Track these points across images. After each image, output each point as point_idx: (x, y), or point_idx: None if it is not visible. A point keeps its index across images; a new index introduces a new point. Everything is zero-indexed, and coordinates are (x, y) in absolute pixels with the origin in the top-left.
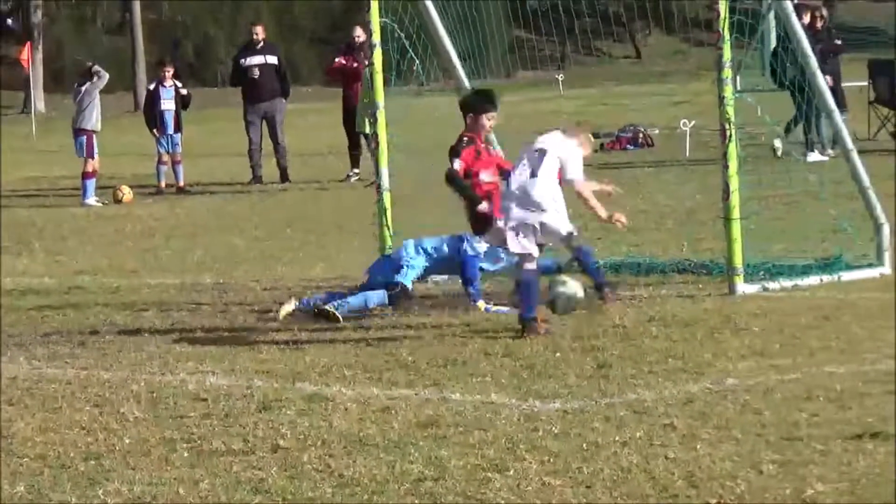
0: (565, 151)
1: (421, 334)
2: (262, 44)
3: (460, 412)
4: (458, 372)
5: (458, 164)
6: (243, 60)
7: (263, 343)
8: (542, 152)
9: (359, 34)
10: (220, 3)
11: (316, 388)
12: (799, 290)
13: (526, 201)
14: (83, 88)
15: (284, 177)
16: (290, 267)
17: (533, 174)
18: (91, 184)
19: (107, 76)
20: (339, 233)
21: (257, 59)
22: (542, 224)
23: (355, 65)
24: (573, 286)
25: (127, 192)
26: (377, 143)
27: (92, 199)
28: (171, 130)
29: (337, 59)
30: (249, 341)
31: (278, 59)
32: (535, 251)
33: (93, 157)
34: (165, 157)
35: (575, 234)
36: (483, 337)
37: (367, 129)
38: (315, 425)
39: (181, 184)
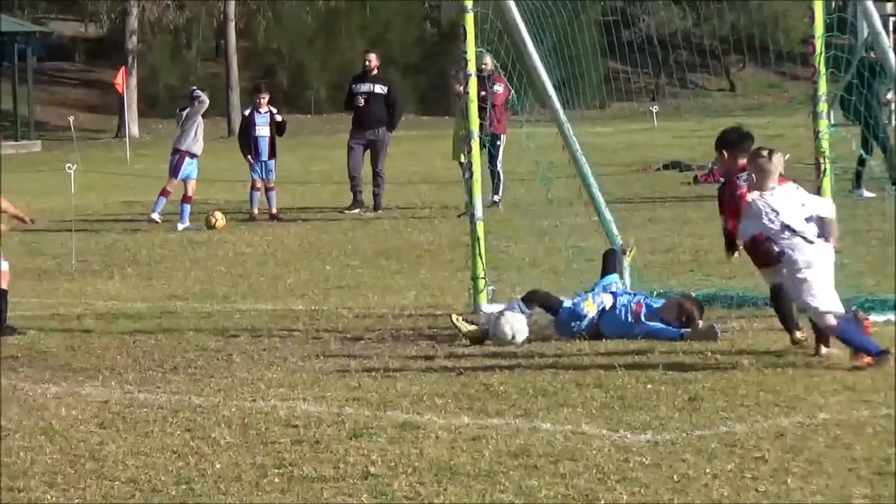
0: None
1: (512, 364)
2: (374, 72)
3: (551, 442)
4: (549, 402)
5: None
6: (354, 86)
7: (355, 370)
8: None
9: (486, 62)
10: (314, 31)
11: (407, 416)
12: (892, 325)
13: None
14: (184, 112)
15: (377, 205)
16: (382, 295)
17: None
18: (162, 201)
19: (207, 100)
20: (431, 262)
21: (365, 87)
22: None
23: (482, 93)
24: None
25: (220, 218)
26: (471, 173)
27: (157, 216)
28: (265, 157)
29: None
30: (341, 368)
31: (388, 90)
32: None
33: (175, 177)
34: (259, 184)
35: None
36: (574, 368)
37: (462, 159)
38: (406, 453)
39: (274, 210)
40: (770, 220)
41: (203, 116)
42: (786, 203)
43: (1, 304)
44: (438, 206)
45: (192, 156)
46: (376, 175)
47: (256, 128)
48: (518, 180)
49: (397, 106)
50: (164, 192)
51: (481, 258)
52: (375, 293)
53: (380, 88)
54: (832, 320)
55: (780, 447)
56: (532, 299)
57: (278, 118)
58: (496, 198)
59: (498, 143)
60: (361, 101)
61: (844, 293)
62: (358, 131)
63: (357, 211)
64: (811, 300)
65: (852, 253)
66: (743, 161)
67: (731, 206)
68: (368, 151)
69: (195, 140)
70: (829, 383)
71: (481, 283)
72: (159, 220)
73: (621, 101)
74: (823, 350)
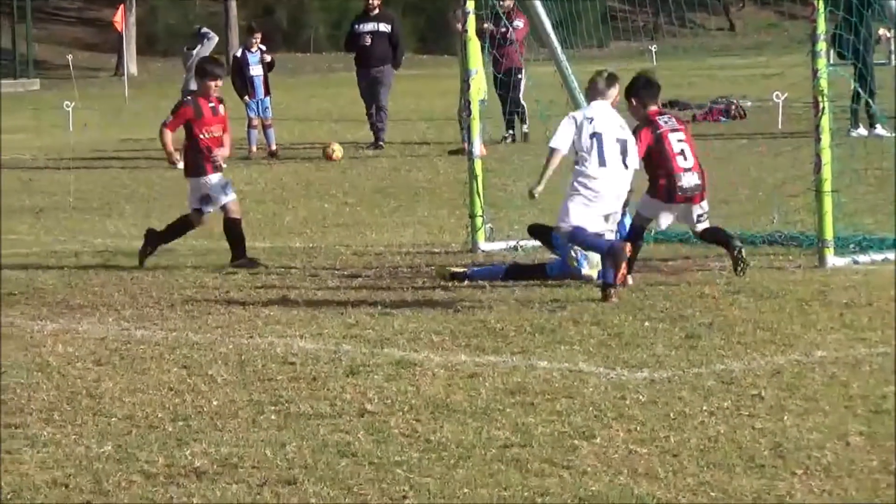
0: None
1: (510, 302)
2: (376, 11)
3: (547, 380)
4: (546, 340)
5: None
6: (357, 26)
7: (352, 308)
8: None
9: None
10: None
11: (404, 353)
12: (889, 264)
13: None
14: (194, 52)
15: (379, 139)
16: (380, 233)
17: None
18: (254, 134)
19: (216, 38)
20: (429, 200)
21: (370, 26)
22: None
23: (504, 29)
24: None
25: (337, 149)
26: (469, 111)
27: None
28: (261, 95)
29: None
30: (338, 306)
31: (392, 28)
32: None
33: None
34: (256, 122)
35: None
36: (572, 305)
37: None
38: (402, 390)
39: (273, 147)
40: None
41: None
42: (604, 117)
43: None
44: (437, 145)
45: None
46: (379, 109)
47: (250, 67)
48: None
49: (401, 43)
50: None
51: (479, 196)
52: (373, 231)
53: (384, 27)
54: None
55: (777, 385)
56: (535, 234)
57: (267, 57)
58: (525, 128)
59: (520, 76)
60: (368, 40)
61: (843, 232)
62: (363, 70)
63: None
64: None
65: (850, 193)
66: (653, 108)
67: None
68: (370, 88)
69: None
70: (827, 321)
71: (479, 220)
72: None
73: (620, 41)
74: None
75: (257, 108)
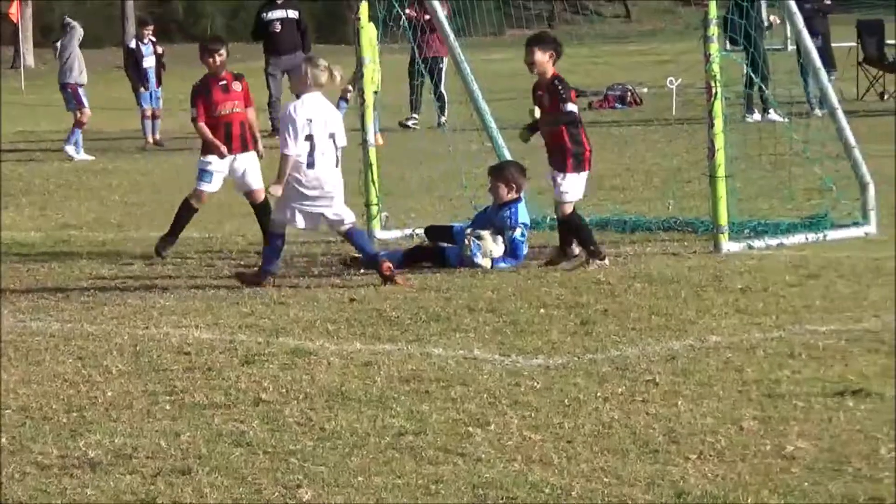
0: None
1: (405, 290)
2: None
3: (442, 367)
4: (441, 327)
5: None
6: (265, 14)
7: (248, 298)
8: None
9: None
10: None
11: (299, 342)
12: (784, 249)
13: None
14: (59, 44)
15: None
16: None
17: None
18: (79, 133)
19: (80, 29)
20: None
21: (278, 14)
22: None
23: (427, 16)
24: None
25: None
26: (363, 99)
27: (71, 149)
28: (154, 86)
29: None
30: (234, 296)
31: (299, 14)
32: None
33: (84, 107)
34: (149, 112)
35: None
36: (467, 293)
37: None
38: (297, 379)
39: (157, 137)
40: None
41: (96, 47)
42: (318, 110)
43: None
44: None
45: (80, 86)
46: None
47: (144, 59)
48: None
49: (307, 30)
50: (77, 124)
51: (374, 184)
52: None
53: (292, 13)
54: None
55: (671, 370)
56: (431, 235)
57: (158, 50)
58: (443, 119)
59: (441, 65)
60: (278, 27)
61: (738, 218)
62: (275, 58)
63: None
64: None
65: (745, 178)
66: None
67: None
68: (286, 77)
69: (80, 71)
70: (721, 306)
71: (374, 209)
72: (77, 156)
73: (517, 28)
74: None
75: (151, 98)
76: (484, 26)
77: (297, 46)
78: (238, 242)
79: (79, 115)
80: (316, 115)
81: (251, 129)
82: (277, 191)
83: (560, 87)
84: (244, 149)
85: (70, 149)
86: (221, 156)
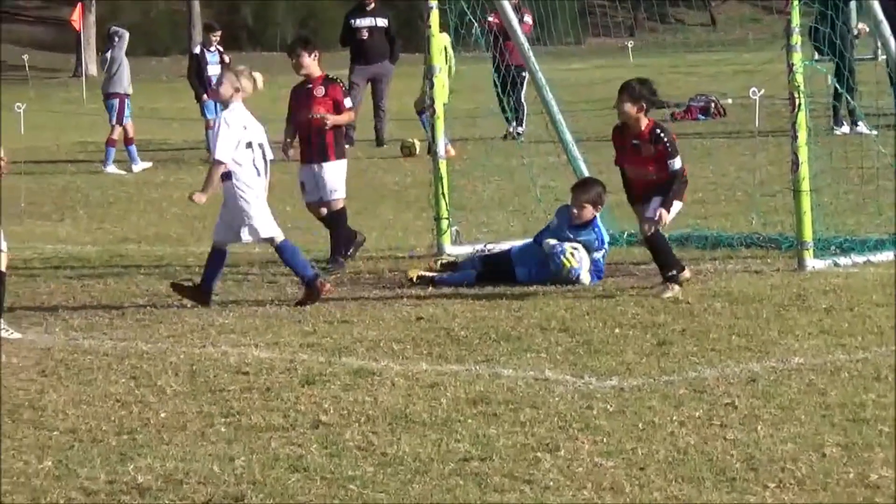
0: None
1: (475, 308)
2: (372, 5)
3: (512, 389)
4: (511, 347)
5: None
6: (353, 21)
7: (310, 316)
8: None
9: None
10: None
11: (362, 362)
12: (871, 266)
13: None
14: (108, 54)
15: (380, 140)
16: None
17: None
18: (112, 151)
19: (127, 35)
20: (395, 201)
21: (367, 21)
22: None
23: None
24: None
25: (418, 143)
26: (434, 110)
27: (112, 167)
28: None
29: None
30: (296, 314)
31: (388, 23)
32: None
33: (121, 123)
34: (213, 123)
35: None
36: (539, 311)
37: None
38: (359, 401)
39: None
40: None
41: (164, 55)
42: (249, 118)
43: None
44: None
45: (128, 96)
46: (379, 109)
47: (209, 67)
48: (484, 116)
49: (396, 39)
50: (110, 143)
51: (444, 198)
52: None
53: (381, 21)
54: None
55: (751, 393)
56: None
57: (226, 58)
58: (521, 129)
59: (524, 73)
60: (365, 35)
61: (823, 233)
62: (362, 66)
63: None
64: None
65: (831, 192)
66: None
67: None
68: (370, 86)
69: (129, 81)
70: (805, 327)
71: (444, 223)
72: (114, 170)
73: (598, 37)
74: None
75: (215, 108)
76: (562, 34)
77: (386, 55)
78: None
79: (115, 132)
80: (249, 123)
81: (331, 137)
82: (201, 199)
83: (666, 139)
84: (317, 158)
85: (111, 168)
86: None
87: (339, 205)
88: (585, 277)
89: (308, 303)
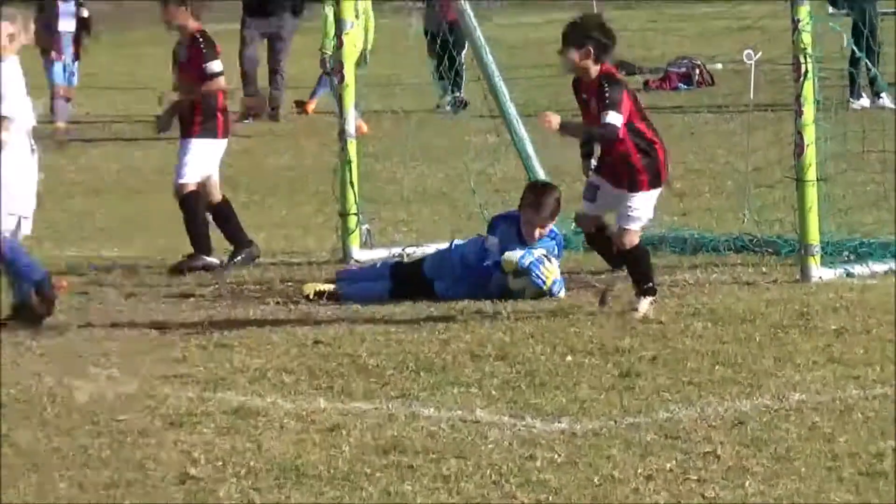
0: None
1: (388, 330)
2: None
3: (433, 433)
4: (433, 380)
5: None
6: None
7: (179, 338)
8: None
9: None
10: None
11: (244, 398)
12: (894, 277)
13: None
14: None
15: (274, 115)
16: (221, 237)
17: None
18: None
19: None
20: (291, 192)
21: None
22: None
23: None
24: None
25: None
26: (342, 76)
27: None
28: (70, 57)
29: None
30: (161, 335)
31: None
32: None
33: None
34: (62, 91)
35: None
36: (471, 334)
37: (331, 51)
38: (239, 448)
39: (61, 124)
40: None
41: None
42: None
43: None
44: (305, 121)
45: None
46: (276, 73)
47: (60, 19)
48: (407, 85)
49: None
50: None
51: (353, 188)
52: (213, 234)
53: None
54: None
55: (739, 439)
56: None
57: (84, 13)
58: (460, 94)
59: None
60: None
61: (834, 235)
62: (256, 19)
63: (249, 119)
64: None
65: (844, 182)
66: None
67: None
68: (267, 44)
69: None
70: (808, 354)
71: (353, 220)
72: None
73: None
74: None
75: (65, 73)
76: None
77: (286, 6)
78: (168, 263)
79: None
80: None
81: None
82: None
83: (606, 90)
84: (182, 132)
85: None
86: None
87: (181, 190)
88: (563, 291)
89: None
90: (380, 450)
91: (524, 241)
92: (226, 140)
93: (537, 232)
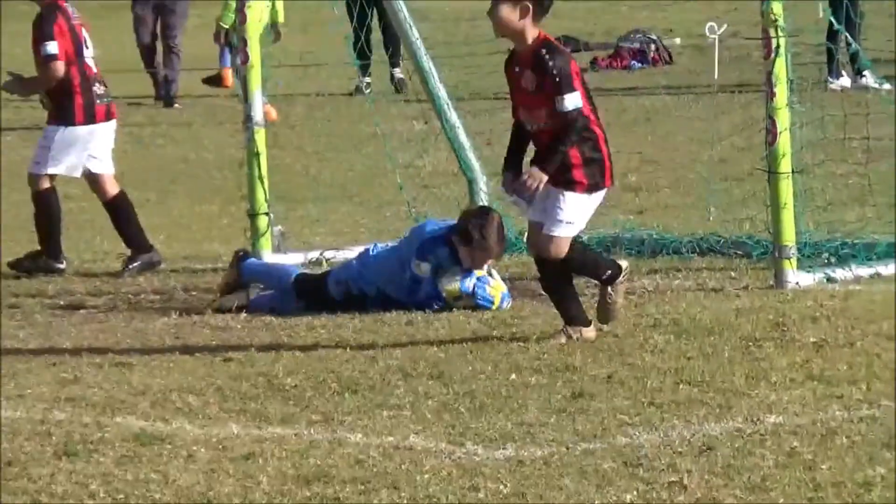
0: None
1: (309, 344)
2: None
3: (361, 461)
4: (360, 402)
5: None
6: None
7: (70, 356)
8: None
9: None
10: None
11: (145, 423)
12: (880, 282)
13: None
14: None
15: (169, 99)
16: (115, 240)
17: None
18: None
19: None
20: (191, 189)
21: None
22: None
23: None
24: None
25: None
26: (246, 55)
27: None
28: None
29: None
30: (49, 353)
31: None
32: None
33: None
34: None
35: None
36: (401, 350)
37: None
38: (141, 479)
39: None
40: None
41: None
42: None
43: None
44: (205, 107)
45: None
46: (171, 52)
47: None
48: (322, 65)
49: None
50: None
51: (263, 183)
52: (105, 237)
53: None
54: None
55: (707, 467)
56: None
57: None
58: (398, 72)
59: None
60: None
61: (812, 235)
62: None
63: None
64: None
65: (823, 175)
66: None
67: None
68: (158, 19)
69: None
70: (785, 371)
71: (263, 220)
72: None
73: None
74: None
75: None
76: None
77: None
78: (56, 272)
79: None
80: None
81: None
82: None
83: (551, 63)
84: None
85: None
86: None
87: (33, 182)
88: (509, 302)
89: None
90: (301, 480)
91: (460, 261)
92: (92, 127)
93: (488, 263)
